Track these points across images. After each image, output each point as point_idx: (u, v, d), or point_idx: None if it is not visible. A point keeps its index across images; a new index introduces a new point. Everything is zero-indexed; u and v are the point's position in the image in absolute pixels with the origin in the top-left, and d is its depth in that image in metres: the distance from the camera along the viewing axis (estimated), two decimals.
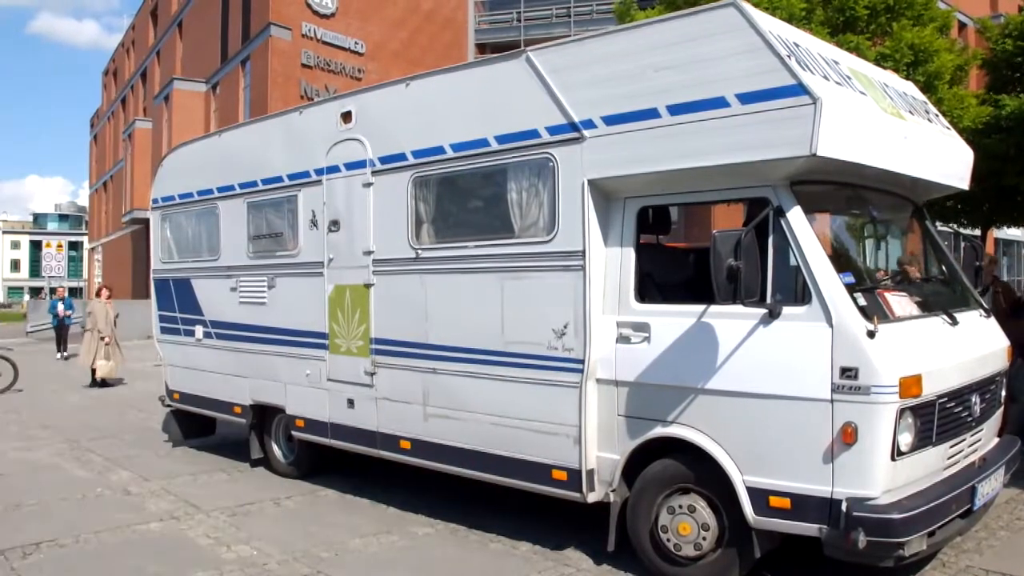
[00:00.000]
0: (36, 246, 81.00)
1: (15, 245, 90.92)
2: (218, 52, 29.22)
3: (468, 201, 5.20)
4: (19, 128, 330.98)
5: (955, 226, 14.53)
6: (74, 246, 70.97)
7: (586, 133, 4.32)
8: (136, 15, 43.01)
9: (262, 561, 4.66)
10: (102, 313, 13.06)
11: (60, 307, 18.91)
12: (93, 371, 13.01)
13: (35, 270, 78.37)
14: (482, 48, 31.29)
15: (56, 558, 4.77)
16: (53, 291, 20.83)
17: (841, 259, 4.22)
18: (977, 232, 15.00)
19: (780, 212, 3.80)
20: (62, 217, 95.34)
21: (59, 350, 18.77)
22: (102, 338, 12.87)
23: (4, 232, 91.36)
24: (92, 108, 59.43)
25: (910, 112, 4.55)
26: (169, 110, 30.21)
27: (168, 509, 5.75)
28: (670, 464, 4.15)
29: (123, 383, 13.39)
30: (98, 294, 13.91)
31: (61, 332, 18.97)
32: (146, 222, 9.75)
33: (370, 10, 27.56)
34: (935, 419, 3.75)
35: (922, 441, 3.68)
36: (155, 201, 7.98)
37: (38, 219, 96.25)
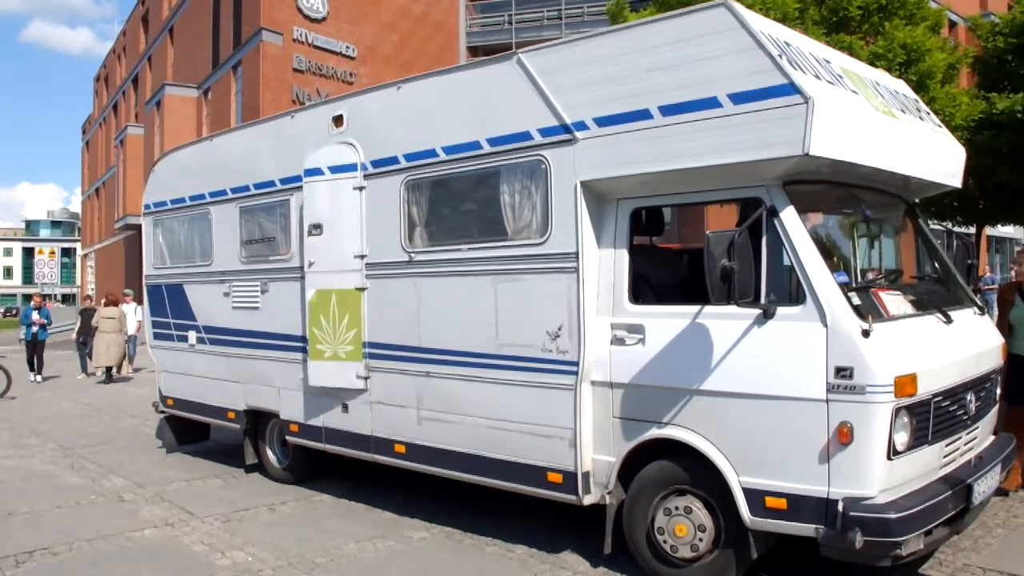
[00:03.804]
0: (29, 253, 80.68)
1: (8, 252, 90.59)
2: (209, 57, 29.16)
3: (461, 204, 5.19)
4: (11, 135, 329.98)
5: (949, 224, 14.60)
6: (67, 253, 70.71)
7: (578, 135, 4.31)
8: (127, 21, 42.91)
9: (257, 567, 4.63)
10: (123, 317, 14.58)
11: (35, 317, 15.00)
12: (108, 369, 14.27)
13: (28, 277, 78.03)
14: (474, 51, 31.30)
15: (49, 566, 4.74)
16: (29, 298, 17.09)
17: (835, 258, 4.23)
18: (972, 230, 15.06)
19: (773, 212, 3.79)
20: (55, 224, 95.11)
21: (32, 370, 14.91)
22: (126, 341, 14.45)
23: None
24: (84, 114, 59.24)
25: (902, 110, 4.55)
26: (161, 116, 30.13)
27: (162, 515, 5.71)
28: (666, 466, 4.13)
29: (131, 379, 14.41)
30: (114, 303, 14.94)
31: (36, 349, 15.00)
32: (139, 228, 9.70)
33: (361, 14, 27.55)
34: (931, 418, 3.75)
35: (918, 440, 3.68)
36: (147, 207, 7.95)
37: (30, 226, 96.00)
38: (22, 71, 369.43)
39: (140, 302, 15.51)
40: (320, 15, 26.41)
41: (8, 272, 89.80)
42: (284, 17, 25.35)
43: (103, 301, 15.52)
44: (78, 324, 15.55)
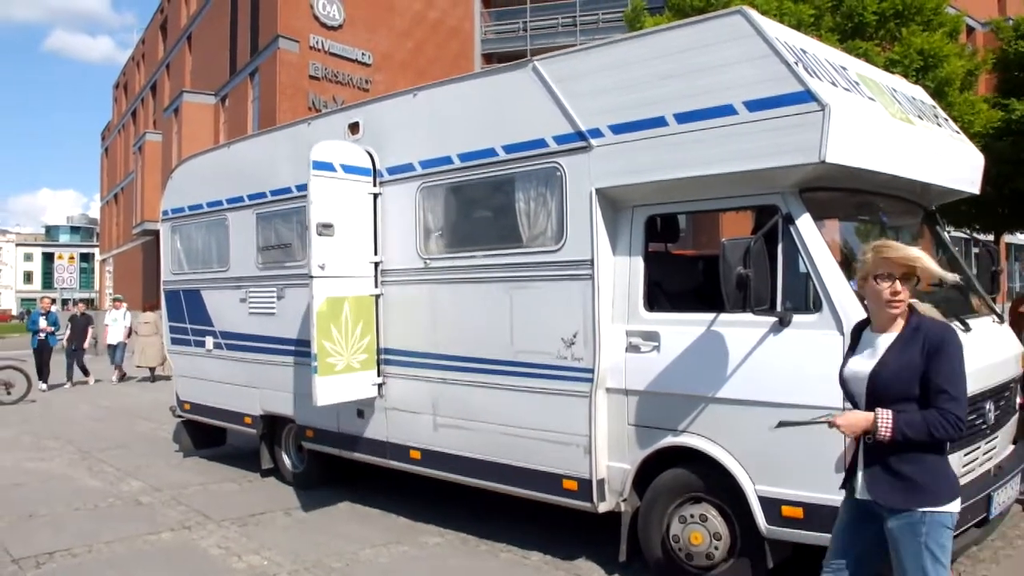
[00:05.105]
0: (48, 258, 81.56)
1: (28, 257, 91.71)
2: (227, 65, 29.44)
3: (476, 211, 5.21)
4: (32, 142, 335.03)
5: (968, 231, 14.48)
6: (86, 258, 71.42)
7: (593, 142, 4.32)
8: (146, 29, 43.43)
9: (272, 571, 4.66)
10: (160, 321, 14.91)
11: (43, 322, 14.34)
12: (151, 368, 15.15)
13: (48, 282, 78.87)
14: (488, 58, 31.40)
15: (69, 567, 4.79)
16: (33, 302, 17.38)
17: (852, 266, 4.19)
18: (990, 237, 14.93)
19: (789, 219, 3.78)
20: (74, 229, 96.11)
21: (41, 378, 14.08)
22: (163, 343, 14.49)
23: (17, 244, 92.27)
24: (103, 121, 59.96)
25: (919, 117, 4.53)
26: (179, 122, 30.44)
27: (179, 519, 5.76)
28: (681, 473, 4.12)
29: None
30: (151, 308, 15.28)
31: (43, 355, 14.31)
32: (156, 233, 9.81)
33: (377, 21, 27.72)
34: None
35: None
36: (165, 213, 8.04)
37: (50, 231, 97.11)
38: (44, 79, 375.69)
39: (132, 308, 15.83)
40: (336, 22, 26.60)
41: (28, 277, 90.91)
42: (300, 24, 25.56)
43: (143, 306, 16.18)
44: (68, 331, 14.96)
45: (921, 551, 2.55)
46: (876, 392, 2.61)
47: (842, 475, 3.50)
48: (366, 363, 5.46)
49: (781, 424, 3.01)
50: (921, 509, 2.55)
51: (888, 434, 2.52)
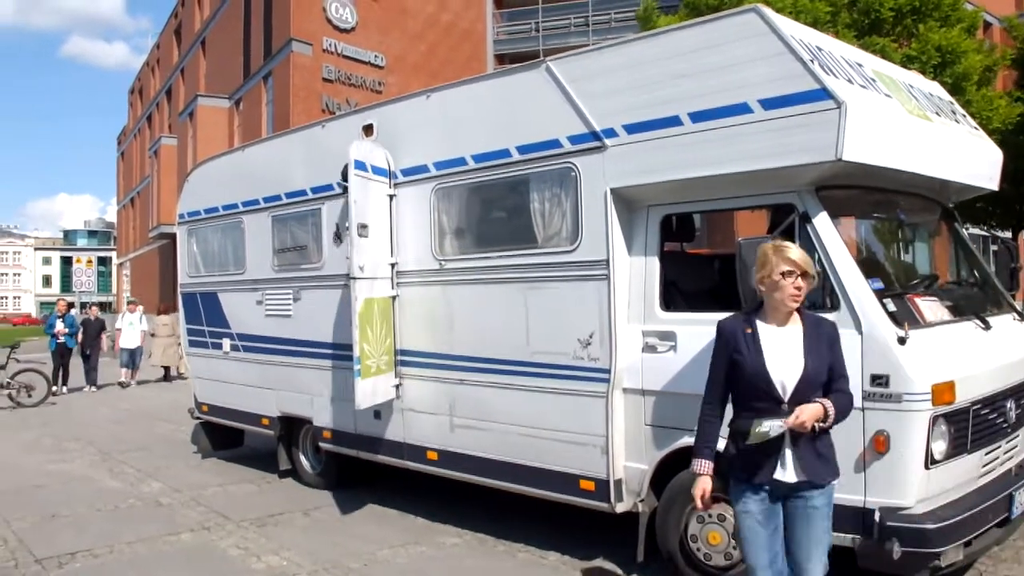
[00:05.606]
0: (67, 262, 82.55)
1: (46, 261, 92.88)
2: (241, 68, 29.67)
3: (491, 211, 5.22)
4: (50, 147, 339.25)
5: (986, 227, 14.33)
6: (103, 261, 72.19)
7: (608, 142, 4.32)
8: (161, 34, 43.84)
9: (292, 572, 4.69)
10: (176, 323, 15.13)
11: (60, 325, 14.02)
12: (167, 369, 15.68)
13: (66, 285, 79.74)
14: (501, 59, 31.44)
15: (91, 568, 4.85)
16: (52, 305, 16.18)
17: (869, 264, 4.17)
18: (1009, 233, 14.77)
19: (806, 218, 3.76)
20: (91, 233, 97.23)
21: (56, 381, 13.74)
22: (179, 343, 14.57)
23: (36, 248, 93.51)
24: (119, 126, 60.57)
25: (936, 113, 4.49)
26: (194, 126, 30.70)
27: (199, 520, 5.81)
28: None
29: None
30: (166, 311, 15.70)
31: (62, 358, 14.05)
32: (173, 237, 9.90)
33: (389, 24, 27.84)
34: (969, 426, 3.69)
35: (956, 449, 3.62)
36: (181, 216, 8.11)
37: (68, 235, 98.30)
38: (61, 85, 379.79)
39: (148, 311, 15.77)
40: (349, 25, 26.73)
41: (47, 280, 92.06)
42: (314, 27, 25.71)
43: (158, 309, 16.42)
44: (80, 335, 14.56)
45: (829, 518, 2.91)
46: (805, 384, 2.82)
47: (861, 476, 3.49)
48: (388, 364, 5.47)
49: (749, 443, 2.95)
50: (834, 481, 2.92)
51: (831, 421, 2.81)
